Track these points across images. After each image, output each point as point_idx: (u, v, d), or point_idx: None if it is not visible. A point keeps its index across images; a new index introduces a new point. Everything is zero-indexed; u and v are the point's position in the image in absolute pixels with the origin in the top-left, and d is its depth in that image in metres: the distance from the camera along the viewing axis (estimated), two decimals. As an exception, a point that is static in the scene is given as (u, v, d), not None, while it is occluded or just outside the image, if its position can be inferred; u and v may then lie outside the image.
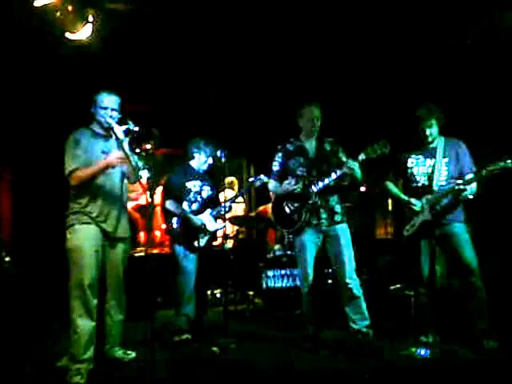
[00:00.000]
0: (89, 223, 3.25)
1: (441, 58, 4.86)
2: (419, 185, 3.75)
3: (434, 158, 3.70)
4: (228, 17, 4.48)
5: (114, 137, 3.34)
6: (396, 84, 5.33)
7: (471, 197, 3.55)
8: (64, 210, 3.34)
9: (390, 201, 7.85)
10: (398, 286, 5.64)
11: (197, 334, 4.07)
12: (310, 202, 3.74)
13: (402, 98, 5.16)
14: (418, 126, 3.71)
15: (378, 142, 3.58)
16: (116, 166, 3.29)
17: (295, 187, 3.77)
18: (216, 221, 4.32)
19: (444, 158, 3.68)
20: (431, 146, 3.75)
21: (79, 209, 3.26)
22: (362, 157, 3.63)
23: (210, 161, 4.35)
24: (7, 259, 4.93)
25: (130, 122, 3.27)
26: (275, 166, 4.00)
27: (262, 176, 4.45)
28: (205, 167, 4.36)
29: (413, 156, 3.81)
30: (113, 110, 3.36)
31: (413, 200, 3.72)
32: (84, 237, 3.22)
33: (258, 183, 4.49)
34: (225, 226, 4.25)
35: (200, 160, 4.32)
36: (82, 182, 3.25)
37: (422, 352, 3.37)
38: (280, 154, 3.98)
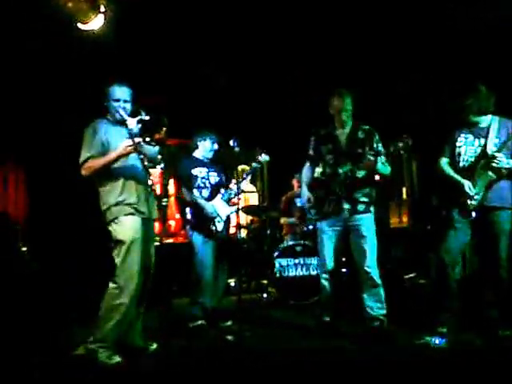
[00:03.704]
0: (133, 214, 3.26)
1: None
2: (465, 165, 3.57)
3: (484, 137, 3.52)
4: (240, 5, 4.45)
5: (127, 129, 3.30)
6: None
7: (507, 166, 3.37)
8: (78, 200, 3.35)
9: (404, 190, 7.81)
10: (413, 274, 5.62)
11: (211, 322, 4.11)
12: (334, 196, 3.74)
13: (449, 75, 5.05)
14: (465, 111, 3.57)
15: (401, 140, 3.50)
16: (128, 156, 3.25)
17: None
18: (228, 205, 4.33)
19: (495, 138, 3.49)
20: (482, 125, 3.57)
21: (118, 200, 3.25)
22: (387, 151, 3.59)
23: (216, 146, 4.35)
24: (24, 249, 5.00)
25: (143, 113, 3.24)
26: (310, 150, 3.99)
27: (263, 155, 4.38)
28: (210, 155, 4.36)
29: (462, 134, 3.63)
30: (125, 101, 3.34)
31: (466, 184, 3.49)
32: (132, 227, 3.24)
33: (261, 160, 4.38)
34: (238, 209, 4.19)
35: (205, 147, 4.33)
36: (93, 173, 3.24)
37: (437, 341, 3.36)
38: (313, 138, 3.97)
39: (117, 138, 3.30)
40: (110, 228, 3.28)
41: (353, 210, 3.73)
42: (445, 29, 4.70)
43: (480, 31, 4.56)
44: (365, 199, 3.75)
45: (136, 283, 3.22)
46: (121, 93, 3.35)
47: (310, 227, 5.30)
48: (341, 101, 3.74)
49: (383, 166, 3.63)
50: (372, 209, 3.78)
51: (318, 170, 3.88)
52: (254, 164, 4.39)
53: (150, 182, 3.37)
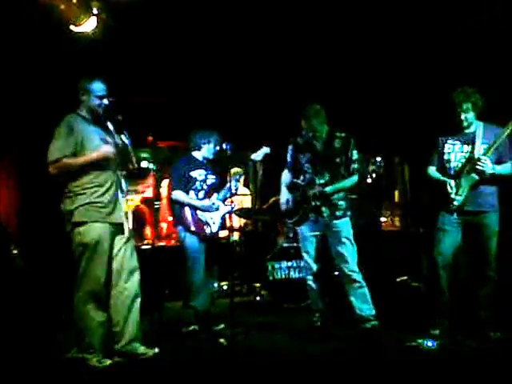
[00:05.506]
0: (103, 219, 3.17)
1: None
2: (456, 170, 3.57)
3: (472, 144, 3.53)
4: (232, 10, 4.46)
5: (110, 126, 3.29)
6: (438, 66, 5.22)
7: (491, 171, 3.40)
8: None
9: (396, 192, 7.84)
10: (405, 277, 5.65)
11: (204, 326, 4.09)
12: (310, 206, 3.78)
13: (442, 79, 5.04)
14: (454, 109, 3.55)
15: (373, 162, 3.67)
16: (111, 157, 3.22)
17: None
18: (224, 204, 4.32)
19: (482, 144, 3.50)
20: (468, 131, 3.58)
21: (89, 201, 3.14)
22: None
23: (217, 148, 4.32)
24: (15, 252, 4.96)
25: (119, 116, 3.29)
26: (288, 158, 4.05)
27: (264, 147, 4.32)
28: (211, 156, 4.33)
29: (449, 141, 3.64)
30: (105, 99, 3.29)
31: (449, 182, 3.53)
32: (98, 230, 3.15)
33: (260, 156, 4.35)
34: (234, 208, 4.16)
35: (209, 149, 4.29)
36: (64, 172, 3.14)
37: (429, 343, 3.37)
38: (291, 147, 4.03)
39: (92, 138, 3.22)
40: (75, 230, 3.15)
41: (332, 215, 3.76)
42: (445, 29, 4.72)
43: (480, 31, 4.58)
44: (342, 203, 3.80)
45: (102, 287, 3.15)
46: (103, 90, 3.28)
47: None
48: (304, 122, 3.82)
49: (351, 182, 3.79)
50: (349, 213, 3.82)
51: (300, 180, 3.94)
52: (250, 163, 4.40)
53: (124, 186, 3.35)
